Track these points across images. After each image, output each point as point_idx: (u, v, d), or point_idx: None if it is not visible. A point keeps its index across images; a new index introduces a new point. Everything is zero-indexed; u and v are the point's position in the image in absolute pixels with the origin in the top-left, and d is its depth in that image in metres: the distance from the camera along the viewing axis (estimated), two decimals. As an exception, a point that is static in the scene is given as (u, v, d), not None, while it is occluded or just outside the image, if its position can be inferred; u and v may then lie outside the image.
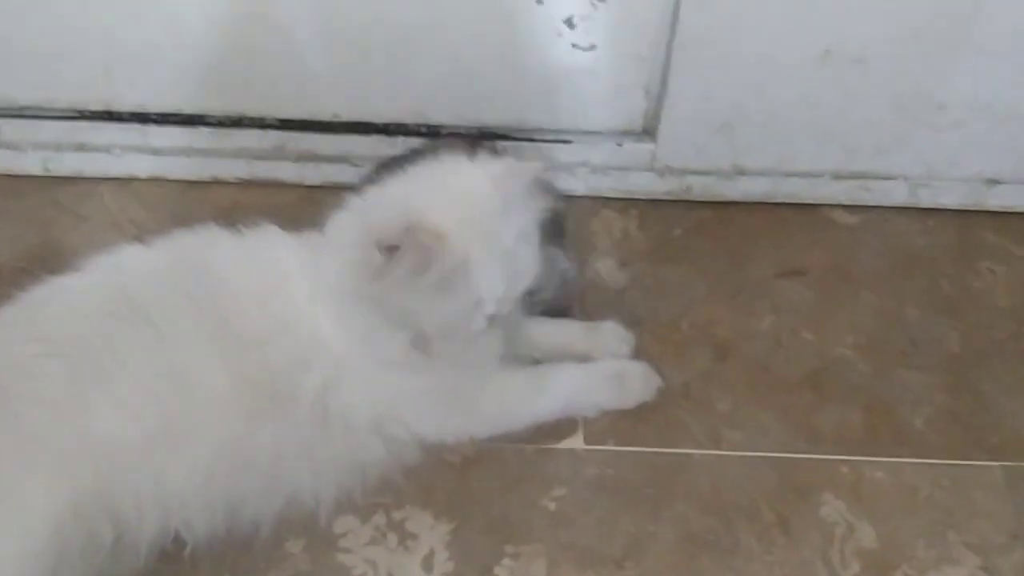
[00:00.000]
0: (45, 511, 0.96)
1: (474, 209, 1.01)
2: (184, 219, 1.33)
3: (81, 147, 1.38)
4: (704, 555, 1.08)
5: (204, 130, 1.38)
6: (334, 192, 1.35)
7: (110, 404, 1.01)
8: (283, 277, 1.10)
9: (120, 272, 1.10)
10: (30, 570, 0.94)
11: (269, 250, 1.13)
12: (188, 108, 1.37)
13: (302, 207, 1.38)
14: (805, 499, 1.14)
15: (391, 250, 0.97)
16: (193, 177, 1.41)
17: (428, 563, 1.07)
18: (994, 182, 1.43)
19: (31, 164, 1.39)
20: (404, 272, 0.97)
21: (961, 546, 1.10)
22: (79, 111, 1.37)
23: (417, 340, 1.04)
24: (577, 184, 1.43)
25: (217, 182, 1.42)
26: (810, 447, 1.18)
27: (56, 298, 1.08)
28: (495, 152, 1.12)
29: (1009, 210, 1.45)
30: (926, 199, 1.45)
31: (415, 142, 1.39)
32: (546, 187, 1.19)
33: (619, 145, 1.41)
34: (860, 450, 1.18)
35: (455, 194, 1.02)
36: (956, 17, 1.25)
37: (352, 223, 1.07)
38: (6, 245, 1.33)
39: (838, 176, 1.43)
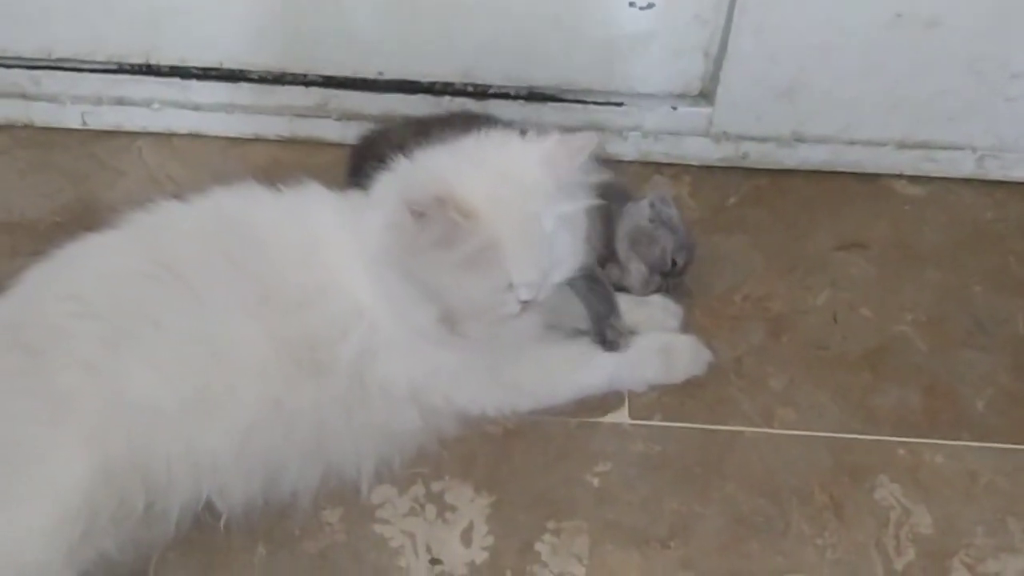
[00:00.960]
0: (77, 475, 0.94)
1: (514, 189, 0.97)
2: (223, 177, 1.31)
3: (120, 101, 1.36)
4: (753, 538, 1.04)
5: (245, 86, 1.35)
6: None
7: (144, 367, 0.98)
8: (323, 238, 1.07)
9: (157, 230, 1.07)
10: (61, 533, 0.92)
11: (310, 209, 1.09)
12: (229, 63, 1.33)
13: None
14: (860, 482, 1.09)
15: (420, 217, 0.93)
16: (233, 134, 1.38)
17: (467, 536, 1.04)
18: None
19: (69, 117, 1.37)
20: (430, 243, 0.94)
21: (1022, 534, 1.05)
22: (119, 64, 1.34)
23: (446, 316, 1.00)
24: (628, 149, 1.38)
25: (258, 139, 1.38)
26: (867, 428, 1.13)
27: (92, 256, 1.05)
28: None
29: None
30: (995, 171, 1.38)
31: (461, 101, 1.34)
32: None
33: (674, 109, 1.35)
34: (919, 432, 1.13)
35: (497, 171, 0.98)
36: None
37: (394, 186, 1.03)
38: (43, 200, 1.30)
39: (903, 145, 1.37)
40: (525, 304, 1.00)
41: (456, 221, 0.93)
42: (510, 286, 0.98)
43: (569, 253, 1.02)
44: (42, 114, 1.37)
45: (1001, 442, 1.13)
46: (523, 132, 1.04)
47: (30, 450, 0.94)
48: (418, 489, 1.07)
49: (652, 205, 1.19)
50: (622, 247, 1.19)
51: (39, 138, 1.37)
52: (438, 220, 0.93)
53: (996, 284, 1.28)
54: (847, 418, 1.14)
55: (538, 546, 1.03)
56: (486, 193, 0.96)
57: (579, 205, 1.02)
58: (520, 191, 0.98)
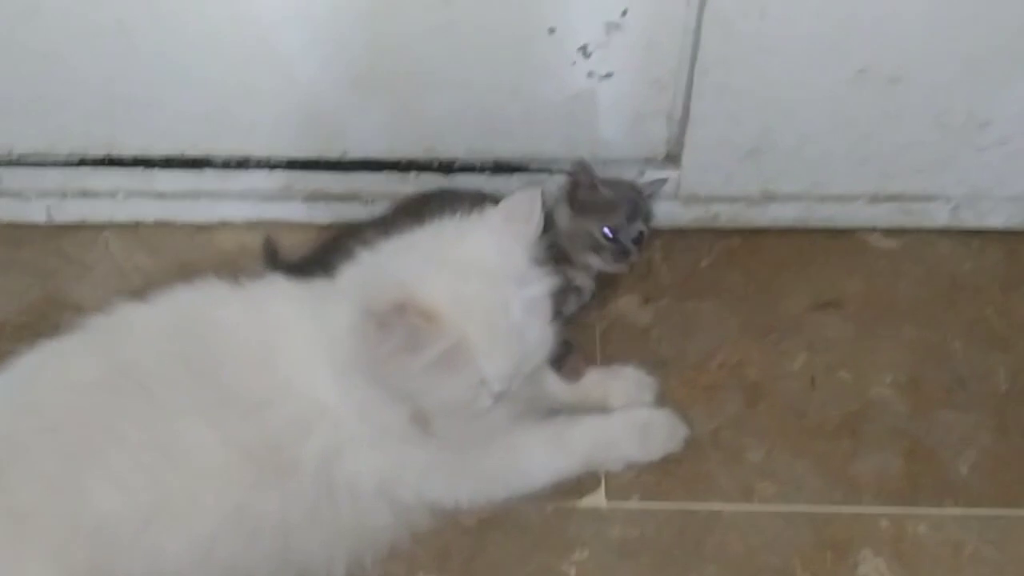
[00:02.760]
0: (40, 595, 0.92)
1: (476, 281, 0.95)
2: (191, 264, 1.32)
3: (84, 193, 1.35)
4: (735, 623, 1.03)
5: (209, 172, 1.34)
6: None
7: (104, 480, 0.97)
8: (285, 333, 1.05)
9: (115, 335, 1.06)
10: (29, 655, 0.91)
11: (271, 304, 1.08)
12: (192, 151, 1.33)
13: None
14: (843, 557, 1.07)
15: (382, 326, 0.91)
16: (200, 220, 1.37)
17: (443, 636, 1.02)
18: None
19: (34, 212, 1.36)
20: (395, 350, 0.92)
21: (1011, 607, 1.03)
22: (81, 157, 1.33)
23: (417, 416, 0.98)
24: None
25: (225, 225, 1.37)
26: (848, 499, 1.12)
27: (49, 365, 1.04)
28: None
29: None
30: (970, 220, 1.37)
31: (428, 178, 1.34)
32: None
33: (641, 173, 1.34)
34: (901, 501, 1.11)
35: (457, 264, 0.97)
36: (1001, 32, 1.17)
37: (355, 283, 1.01)
38: (9, 299, 1.29)
39: (875, 199, 1.35)
40: (498, 396, 0.99)
41: (419, 326, 0.92)
42: (482, 381, 0.97)
43: (540, 338, 1.01)
44: (6, 211, 1.36)
45: (986, 507, 1.11)
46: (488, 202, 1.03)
47: (-7, 570, 0.93)
48: (391, 588, 1.05)
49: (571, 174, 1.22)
50: (568, 240, 1.22)
51: (4, 235, 1.36)
52: (400, 327, 0.92)
53: (976, 339, 1.26)
54: (828, 489, 1.12)
55: (515, 643, 1.01)
56: (447, 291, 0.95)
57: (545, 287, 1.01)
58: (483, 282, 0.96)
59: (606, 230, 1.21)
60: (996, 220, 1.36)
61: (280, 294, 1.09)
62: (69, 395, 1.01)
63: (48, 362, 1.04)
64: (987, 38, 1.18)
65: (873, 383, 1.22)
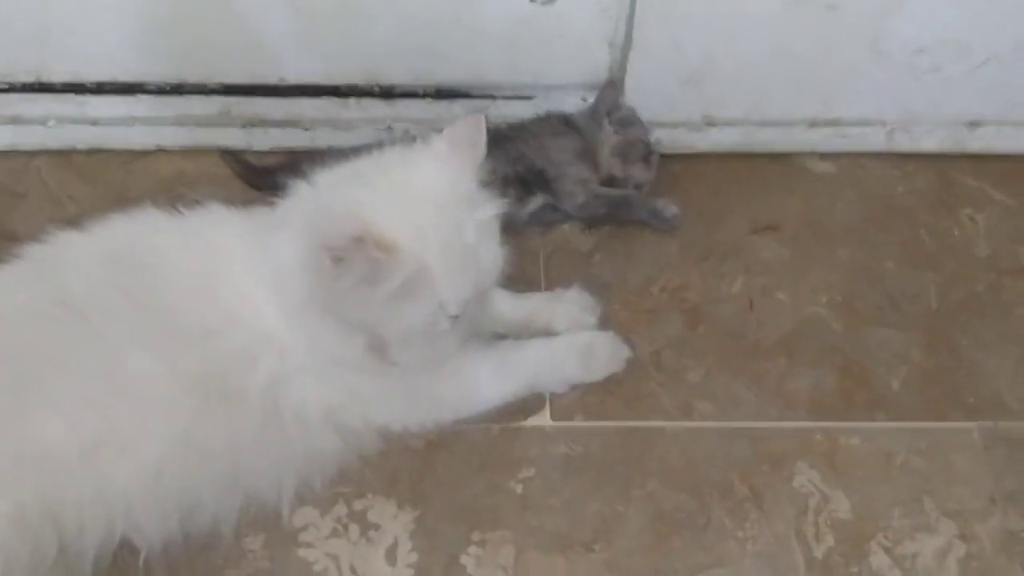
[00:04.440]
0: (-13, 522, 0.92)
1: (429, 208, 0.95)
2: (127, 192, 1.30)
3: (14, 120, 1.31)
4: (675, 535, 1.06)
5: (144, 98, 1.31)
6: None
7: (48, 410, 0.96)
8: (226, 263, 1.05)
9: (53, 265, 1.04)
10: (-26, 579, 0.91)
11: (212, 233, 1.07)
12: (125, 76, 1.29)
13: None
14: (779, 470, 1.11)
15: (339, 261, 0.91)
16: (135, 147, 1.34)
17: (392, 554, 1.04)
18: (975, 124, 1.38)
19: (-38, 139, 1.32)
20: (354, 283, 0.92)
21: (938, 513, 1.08)
22: (9, 83, 1.29)
23: (374, 344, 0.98)
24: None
25: (161, 151, 1.35)
26: (784, 415, 1.15)
27: (-10, 296, 1.02)
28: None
29: (990, 152, 1.40)
30: (905, 144, 1.40)
31: (368, 103, 1.32)
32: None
33: (584, 99, 1.34)
34: (835, 416, 1.15)
35: (408, 193, 0.96)
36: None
37: (300, 216, 1.00)
38: (-60, 229, 1.26)
39: (814, 123, 1.37)
40: (455, 319, 1.00)
41: (378, 258, 0.91)
42: (442, 305, 0.97)
43: (493, 259, 1.02)
44: (-67, 137, 1.32)
45: (915, 420, 1.15)
46: (413, 138, 1.03)
47: (-64, 504, 0.92)
48: (340, 509, 1.06)
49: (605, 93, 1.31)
50: (618, 153, 1.30)
51: (-69, 164, 1.32)
52: (359, 260, 0.91)
53: (907, 259, 1.30)
54: (764, 406, 1.16)
55: (463, 559, 1.03)
56: (402, 220, 0.95)
57: (494, 210, 1.01)
58: (436, 209, 0.96)
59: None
60: (929, 143, 1.40)
61: (221, 223, 1.08)
62: (9, 326, 1.00)
63: (-13, 290, 1.02)
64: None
65: (808, 303, 1.25)
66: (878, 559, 1.05)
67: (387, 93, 1.32)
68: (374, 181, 0.98)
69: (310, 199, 1.02)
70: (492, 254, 1.00)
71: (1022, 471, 1.12)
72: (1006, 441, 1.14)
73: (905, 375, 1.19)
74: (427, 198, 0.96)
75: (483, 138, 0.99)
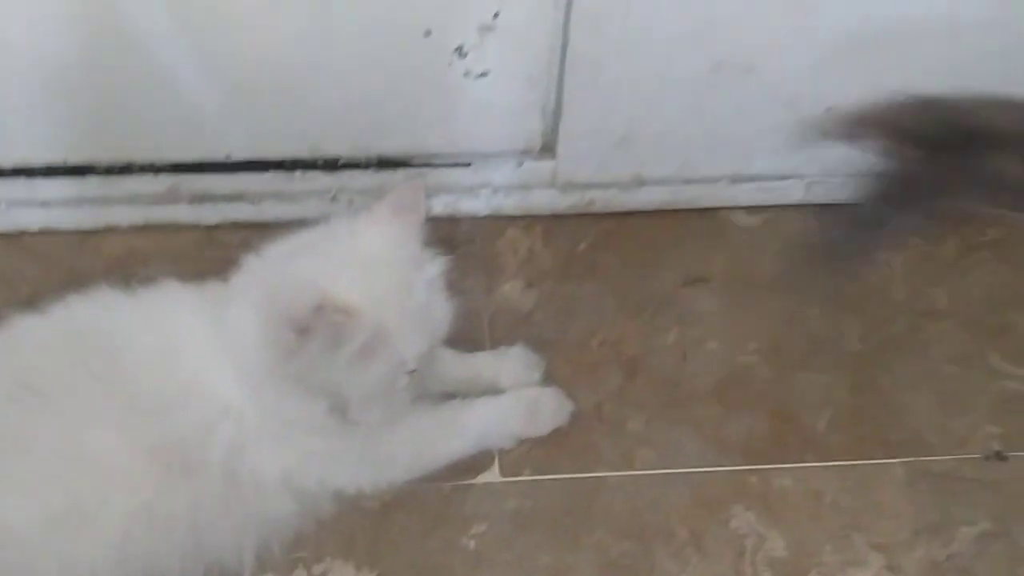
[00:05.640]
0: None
1: (380, 272, 1.01)
2: (80, 272, 1.32)
3: (-36, 204, 1.34)
4: (624, 581, 1.12)
5: (93, 179, 1.34)
6: (234, 230, 1.37)
7: (10, 491, 0.99)
8: (182, 337, 1.08)
9: (11, 348, 1.08)
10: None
11: (166, 309, 1.11)
12: (74, 159, 1.33)
13: (202, 247, 1.37)
14: (716, 513, 1.17)
15: (303, 331, 0.96)
16: (86, 227, 1.37)
17: (352, 615, 1.08)
18: None
19: (-86, 226, 1.34)
20: (318, 350, 0.97)
21: (866, 547, 1.15)
22: (-44, 168, 1.32)
23: (336, 405, 1.03)
24: (480, 205, 1.42)
25: (111, 230, 1.38)
26: (720, 460, 1.22)
27: (-55, 380, 1.05)
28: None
29: None
30: (822, 195, 1.48)
31: (313, 175, 1.37)
32: None
33: (519, 165, 1.41)
34: (767, 459, 1.22)
35: (357, 259, 1.02)
36: (842, 25, 1.28)
37: (254, 289, 1.05)
38: None
39: (736, 180, 1.45)
40: (412, 374, 1.05)
41: (340, 323, 0.96)
42: (400, 363, 1.03)
43: (443, 314, 1.07)
44: None
45: (842, 459, 1.22)
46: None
47: None
48: (300, 573, 1.10)
49: None
50: None
51: None
52: (321, 328, 0.96)
53: (830, 305, 1.37)
54: (701, 452, 1.22)
55: (421, 615, 1.08)
56: (356, 284, 1.00)
57: (439, 266, 1.07)
58: (386, 271, 1.02)
59: None
60: (845, 194, 1.48)
61: (175, 299, 1.12)
62: (-34, 407, 1.02)
63: (-57, 378, 1.05)
64: (832, 31, 1.29)
65: (739, 351, 1.32)
66: (814, 595, 1.12)
67: (331, 165, 1.37)
68: (323, 250, 1.04)
69: (261, 272, 1.07)
70: (442, 309, 1.06)
71: (943, 504, 1.19)
72: (928, 475, 1.21)
73: (831, 416, 1.26)
74: (376, 262, 1.02)
75: (422, 202, 1.06)
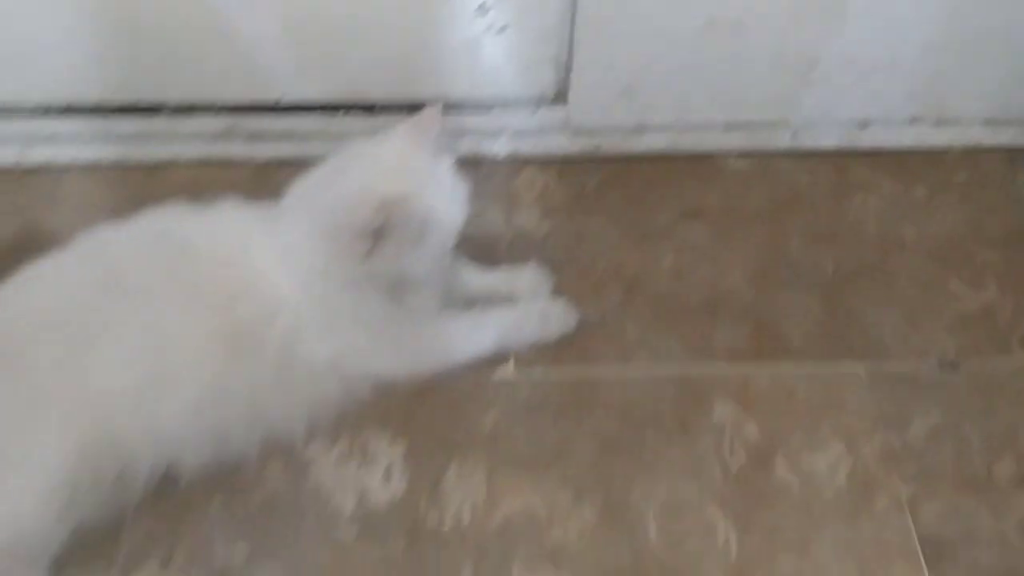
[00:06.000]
0: (58, 454, 1.14)
1: (413, 168, 1.23)
2: (147, 200, 1.49)
3: (51, 139, 1.53)
4: (617, 456, 1.29)
5: (161, 117, 1.54)
6: (282, 166, 1.56)
7: (103, 361, 1.18)
8: (244, 243, 1.27)
9: (102, 248, 1.26)
10: (52, 502, 1.13)
11: (231, 220, 1.30)
12: (147, 98, 1.52)
13: (254, 181, 1.55)
14: (701, 405, 1.35)
15: (376, 232, 1.17)
16: (153, 161, 1.56)
17: (387, 477, 1.26)
18: (865, 124, 1.64)
19: (5, 157, 1.54)
20: (390, 241, 1.18)
21: (829, 435, 1.32)
22: (46, 107, 1.52)
23: (393, 292, 1.24)
24: (500, 147, 1.61)
25: (175, 163, 1.57)
26: (706, 362, 1.39)
27: (48, 274, 1.24)
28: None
29: (879, 148, 1.65)
30: (807, 142, 1.64)
31: (354, 117, 1.56)
32: None
33: (535, 112, 1.59)
34: (747, 361, 1.39)
35: (393, 163, 1.23)
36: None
37: (305, 211, 1.26)
38: (-7, 227, 1.48)
39: (729, 127, 1.63)
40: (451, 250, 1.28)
41: (400, 211, 1.17)
42: (446, 237, 1.25)
43: (465, 194, 1.28)
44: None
45: (812, 364, 1.39)
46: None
47: (19, 439, 1.14)
48: (344, 441, 1.29)
49: None
50: None
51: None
52: (393, 220, 1.17)
53: (809, 237, 1.54)
54: (690, 356, 1.39)
55: (446, 478, 1.26)
56: (399, 180, 1.21)
57: (453, 158, 1.28)
58: (418, 166, 1.24)
59: None
60: (827, 142, 1.65)
61: (237, 213, 1.31)
62: (67, 296, 1.21)
63: (46, 271, 1.24)
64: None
65: (727, 275, 1.49)
66: (781, 471, 1.29)
67: (368, 108, 1.56)
68: (362, 165, 1.24)
69: (307, 194, 1.28)
70: (463, 190, 1.27)
71: (900, 402, 1.36)
72: (888, 378, 1.38)
73: (806, 329, 1.43)
74: (408, 163, 1.24)
75: (437, 123, 1.27)
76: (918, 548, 1.23)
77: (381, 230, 1.17)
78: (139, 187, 1.55)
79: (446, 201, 1.24)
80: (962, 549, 1.23)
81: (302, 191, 1.28)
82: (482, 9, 1.45)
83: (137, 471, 1.19)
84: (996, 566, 1.22)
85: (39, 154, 1.55)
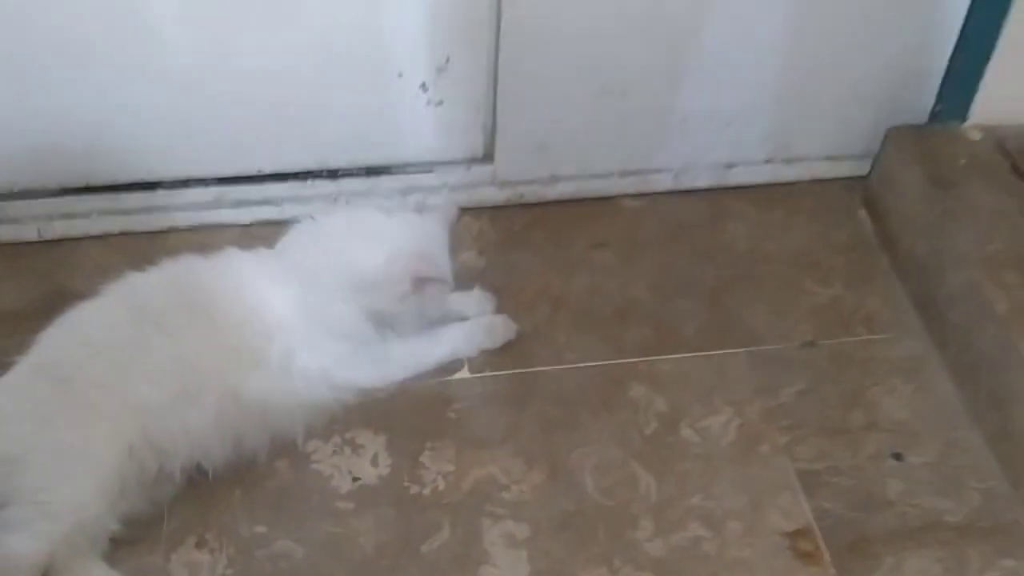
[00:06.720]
0: (109, 456, 1.40)
1: (437, 244, 1.62)
2: (154, 259, 1.81)
3: (68, 215, 1.82)
4: (557, 432, 1.61)
5: (160, 191, 1.85)
6: (262, 227, 1.88)
7: (141, 381, 1.46)
8: (247, 281, 1.58)
9: (131, 290, 1.56)
10: (105, 495, 1.38)
11: (235, 264, 1.61)
12: (148, 177, 1.83)
13: (240, 240, 1.82)
14: (619, 388, 1.67)
15: (420, 281, 1.53)
16: (153, 229, 1.85)
17: (375, 462, 1.56)
18: (730, 165, 1.98)
19: (28, 233, 1.82)
20: (431, 285, 1.57)
21: (721, 402, 1.66)
22: (64, 188, 1.82)
23: (379, 322, 1.58)
24: (441, 200, 1.92)
25: (172, 231, 1.87)
26: (621, 356, 1.71)
27: (90, 314, 1.53)
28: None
29: (743, 183, 2.00)
30: (686, 183, 1.98)
31: (320, 183, 1.89)
32: None
33: (468, 169, 1.91)
34: (653, 353, 1.73)
35: (429, 238, 1.63)
36: (680, 51, 1.82)
37: (303, 243, 1.61)
38: (21, 294, 1.75)
39: (623, 174, 1.95)
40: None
41: (436, 269, 1.55)
42: (443, 286, 1.61)
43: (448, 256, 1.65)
44: (6, 234, 1.82)
45: (704, 351, 1.75)
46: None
47: (77, 445, 1.40)
48: (336, 437, 1.59)
49: None
50: None
51: (5, 251, 1.82)
52: (432, 276, 1.56)
53: (694, 257, 1.88)
54: (608, 352, 1.71)
55: (422, 458, 1.57)
56: (432, 252, 1.59)
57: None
58: (442, 243, 1.65)
59: None
60: (702, 181, 1.99)
61: (240, 258, 1.62)
62: (108, 330, 1.49)
63: (88, 312, 1.53)
64: (693, 55, 1.85)
65: (631, 289, 1.82)
66: (686, 433, 1.62)
67: (333, 174, 1.88)
68: (404, 231, 1.61)
69: (316, 240, 1.63)
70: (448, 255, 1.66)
71: (773, 375, 1.70)
72: (762, 358, 1.72)
73: (696, 326, 1.78)
74: (436, 239, 1.63)
75: (454, 213, 1.69)
76: (796, 481, 1.58)
77: (422, 280, 1.55)
78: (144, 251, 1.81)
79: (448, 266, 1.61)
80: (829, 478, 1.59)
81: (297, 241, 1.62)
82: (423, 87, 1.80)
83: (173, 468, 1.42)
84: (855, 488, 1.57)
85: (57, 229, 1.83)
